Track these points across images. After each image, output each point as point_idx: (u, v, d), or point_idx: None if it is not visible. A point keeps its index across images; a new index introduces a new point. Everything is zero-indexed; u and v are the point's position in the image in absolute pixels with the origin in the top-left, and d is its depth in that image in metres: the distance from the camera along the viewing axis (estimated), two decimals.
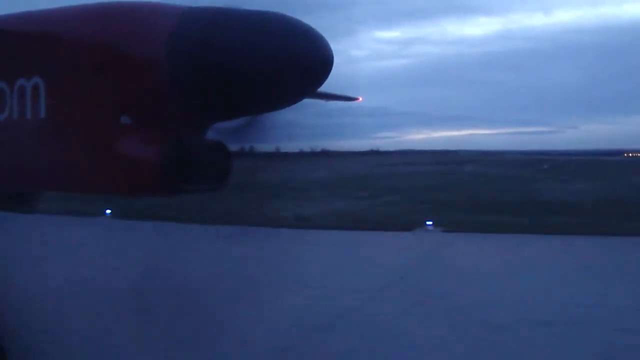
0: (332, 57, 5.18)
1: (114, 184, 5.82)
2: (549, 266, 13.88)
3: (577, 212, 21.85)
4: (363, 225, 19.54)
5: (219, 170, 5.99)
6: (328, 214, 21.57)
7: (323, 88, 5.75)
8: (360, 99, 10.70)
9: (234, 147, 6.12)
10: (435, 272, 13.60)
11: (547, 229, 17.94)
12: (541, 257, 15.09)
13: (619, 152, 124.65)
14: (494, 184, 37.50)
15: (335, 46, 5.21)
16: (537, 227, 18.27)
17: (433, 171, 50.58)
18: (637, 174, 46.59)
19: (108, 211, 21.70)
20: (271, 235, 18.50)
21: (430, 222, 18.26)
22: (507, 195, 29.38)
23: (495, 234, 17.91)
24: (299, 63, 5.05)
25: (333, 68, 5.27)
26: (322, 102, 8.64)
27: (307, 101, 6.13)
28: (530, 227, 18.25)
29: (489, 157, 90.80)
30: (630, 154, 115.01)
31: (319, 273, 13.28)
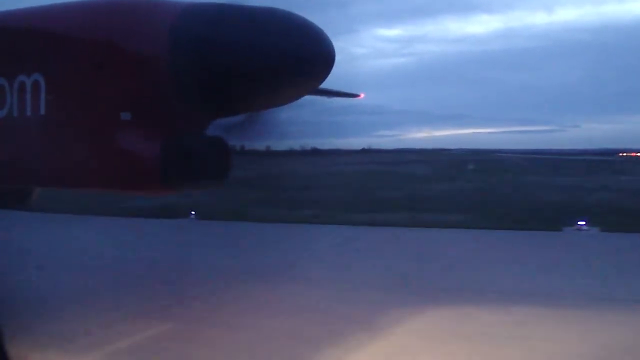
0: (334, 54, 5.14)
1: (114, 181, 5.79)
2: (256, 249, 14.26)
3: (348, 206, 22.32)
4: (161, 214, 19.72)
5: (219, 167, 5.97)
6: (160, 206, 21.13)
7: (324, 85, 5.75)
8: (362, 95, 10.75)
9: (234, 144, 6.10)
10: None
11: (298, 220, 19.21)
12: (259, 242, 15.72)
13: (614, 152, 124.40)
14: (371, 181, 36.82)
15: (337, 44, 5.20)
16: (288, 217, 19.65)
17: (365, 170, 49.50)
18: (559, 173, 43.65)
19: None
20: (71, 221, 18.61)
21: (193, 212, 19.62)
22: (349, 192, 28.93)
23: (253, 223, 18.86)
24: (300, 59, 5.03)
25: (334, 65, 5.27)
26: (324, 98, 8.61)
27: (308, 98, 6.11)
28: (289, 218, 19.53)
29: (476, 156, 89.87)
30: (625, 154, 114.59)
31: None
